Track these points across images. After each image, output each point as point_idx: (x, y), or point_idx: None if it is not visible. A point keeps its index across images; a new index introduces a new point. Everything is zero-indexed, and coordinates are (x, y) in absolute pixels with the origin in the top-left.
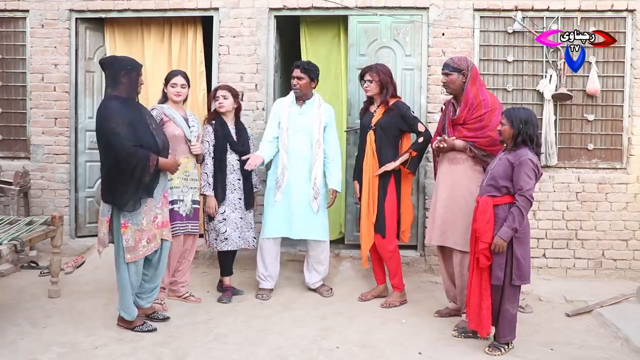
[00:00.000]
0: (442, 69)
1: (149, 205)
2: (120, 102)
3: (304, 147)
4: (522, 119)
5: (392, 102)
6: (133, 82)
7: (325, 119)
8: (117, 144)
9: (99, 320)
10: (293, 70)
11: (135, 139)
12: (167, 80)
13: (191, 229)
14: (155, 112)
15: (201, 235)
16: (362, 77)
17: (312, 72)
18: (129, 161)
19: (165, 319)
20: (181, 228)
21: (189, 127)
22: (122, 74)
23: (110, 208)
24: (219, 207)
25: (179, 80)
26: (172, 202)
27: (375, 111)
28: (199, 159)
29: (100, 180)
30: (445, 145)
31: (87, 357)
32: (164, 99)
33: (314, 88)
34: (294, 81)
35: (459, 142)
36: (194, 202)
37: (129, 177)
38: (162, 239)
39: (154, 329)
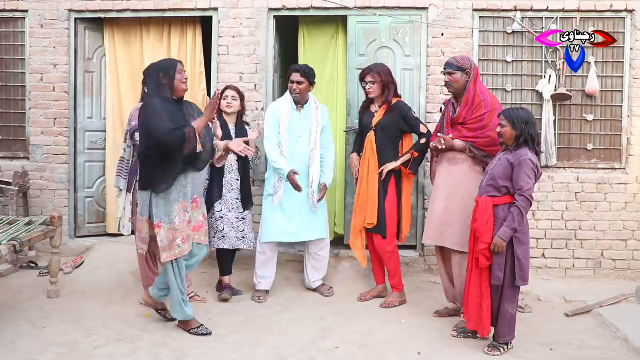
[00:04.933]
0: (445, 68)
1: (182, 205)
2: (161, 100)
3: (304, 151)
4: (524, 120)
5: (393, 102)
6: (171, 81)
7: (323, 122)
8: (156, 134)
9: (98, 321)
10: (291, 74)
11: (173, 126)
12: None
13: None
14: None
15: None
16: (362, 78)
17: (311, 76)
18: (167, 145)
19: (172, 319)
20: None
21: None
22: (161, 75)
23: (148, 207)
24: (215, 205)
25: None
26: None
27: (376, 111)
28: None
29: (138, 176)
30: (444, 145)
31: (87, 357)
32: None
33: (311, 91)
34: (294, 86)
35: (459, 143)
36: None
37: (171, 159)
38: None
39: (209, 333)
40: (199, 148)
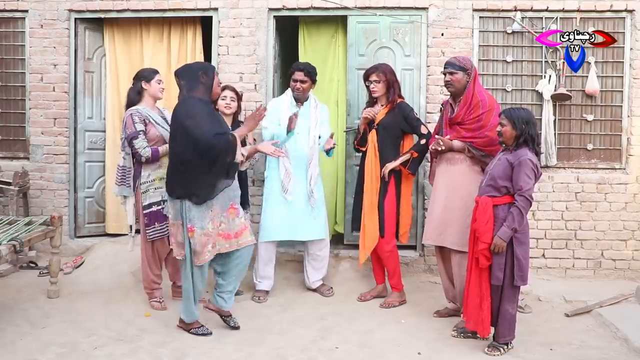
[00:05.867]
0: (445, 68)
1: (215, 211)
2: (201, 100)
3: (304, 148)
4: (524, 120)
5: (397, 101)
6: (209, 81)
7: (321, 120)
8: (200, 137)
9: (98, 321)
10: (294, 73)
11: (216, 130)
12: (149, 77)
13: None
14: (138, 116)
15: None
16: (367, 77)
17: (314, 74)
18: (213, 149)
19: (236, 327)
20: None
21: (168, 123)
22: (200, 74)
23: (181, 211)
24: None
25: (160, 76)
26: (157, 204)
27: (378, 111)
28: None
29: (171, 181)
30: (443, 147)
31: (87, 357)
32: (139, 97)
33: (312, 89)
34: (297, 84)
35: (457, 143)
36: None
37: (213, 165)
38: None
39: (209, 333)
40: (239, 157)
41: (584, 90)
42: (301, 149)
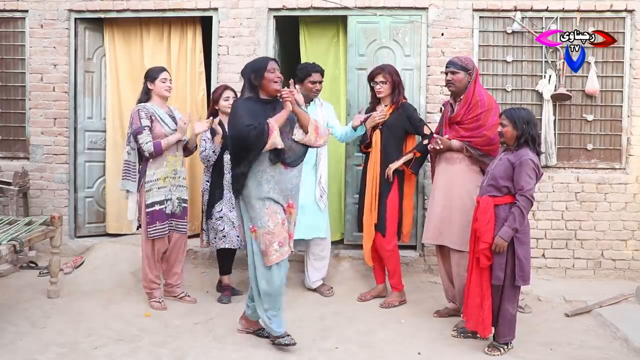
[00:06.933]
0: (447, 67)
1: (271, 208)
2: (248, 100)
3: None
4: (525, 120)
5: (401, 102)
6: (259, 80)
7: (327, 118)
8: (235, 133)
9: (98, 321)
10: (311, 75)
11: (247, 123)
12: (154, 76)
13: (177, 227)
14: (145, 112)
15: (197, 235)
16: (372, 78)
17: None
18: (241, 140)
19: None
20: (170, 226)
21: (176, 123)
22: (252, 77)
23: (241, 212)
24: (216, 206)
25: (167, 75)
26: (160, 203)
27: (382, 111)
28: (189, 150)
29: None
30: (442, 146)
31: (87, 357)
32: (147, 96)
33: None
34: (317, 86)
35: (456, 142)
36: (182, 200)
37: (246, 157)
38: None
39: (294, 343)
40: (277, 145)
41: (584, 90)
42: (310, 149)
